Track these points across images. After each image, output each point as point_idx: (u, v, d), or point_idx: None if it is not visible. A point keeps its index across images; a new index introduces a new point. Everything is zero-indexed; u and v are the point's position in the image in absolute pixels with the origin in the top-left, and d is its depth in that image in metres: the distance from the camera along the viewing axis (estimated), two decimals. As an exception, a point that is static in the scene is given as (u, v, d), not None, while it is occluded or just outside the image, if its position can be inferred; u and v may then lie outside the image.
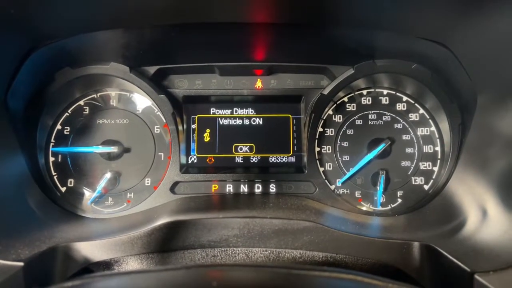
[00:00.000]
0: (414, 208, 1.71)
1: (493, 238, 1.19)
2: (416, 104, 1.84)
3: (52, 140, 1.78)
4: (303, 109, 1.84)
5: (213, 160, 1.84)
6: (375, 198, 1.77)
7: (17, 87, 1.46)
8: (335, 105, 1.86)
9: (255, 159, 1.84)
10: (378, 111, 1.84)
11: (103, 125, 1.81)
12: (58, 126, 1.79)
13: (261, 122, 1.86)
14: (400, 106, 1.84)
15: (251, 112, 1.87)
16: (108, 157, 1.78)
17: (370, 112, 1.84)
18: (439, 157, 1.79)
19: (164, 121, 1.79)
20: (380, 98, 1.86)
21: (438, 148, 1.80)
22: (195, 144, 1.84)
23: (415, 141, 1.81)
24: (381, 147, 1.76)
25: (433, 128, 1.81)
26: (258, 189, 1.78)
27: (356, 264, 1.33)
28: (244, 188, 1.79)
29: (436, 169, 1.79)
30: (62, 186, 1.76)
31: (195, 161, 1.84)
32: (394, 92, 1.86)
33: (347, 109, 1.85)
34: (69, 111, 1.81)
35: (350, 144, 1.82)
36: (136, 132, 1.81)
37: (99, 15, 1.35)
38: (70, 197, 1.75)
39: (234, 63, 1.78)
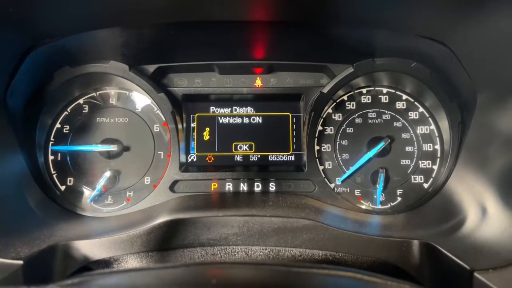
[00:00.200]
0: (414, 207, 1.71)
1: (492, 236, 1.19)
2: (415, 103, 1.84)
3: (52, 139, 1.78)
4: (302, 108, 1.84)
5: (212, 158, 1.84)
6: (375, 196, 1.77)
7: (16, 86, 1.46)
8: (335, 103, 1.86)
9: (255, 158, 1.84)
10: (378, 110, 1.84)
11: (103, 123, 1.81)
12: (58, 125, 1.79)
13: (260, 121, 1.86)
14: (399, 105, 1.84)
15: (251, 110, 1.87)
16: (107, 156, 1.78)
17: (369, 110, 1.84)
18: (438, 155, 1.79)
19: (164, 119, 1.79)
20: (379, 96, 1.85)
21: (437, 147, 1.80)
22: (195, 142, 1.84)
23: (415, 140, 1.81)
24: (380, 146, 1.76)
25: (432, 127, 1.81)
26: (257, 187, 1.78)
27: (356, 262, 1.33)
28: (243, 187, 1.79)
29: (435, 167, 1.79)
30: (62, 185, 1.76)
31: (195, 159, 1.84)
32: (393, 91, 1.85)
33: (347, 108, 1.85)
34: (68, 109, 1.81)
35: (350, 142, 1.82)
36: (136, 130, 1.81)
37: (98, 14, 1.35)
38: (70, 196, 1.75)
39: (233, 61, 1.78)
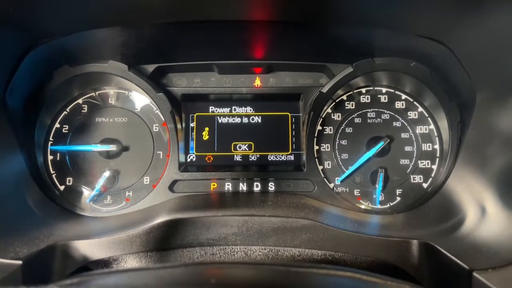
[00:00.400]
0: (413, 206, 1.71)
1: (491, 236, 1.19)
2: (415, 102, 1.84)
3: (51, 139, 1.78)
4: (302, 107, 1.84)
5: (212, 158, 1.84)
6: (374, 196, 1.77)
7: (15, 86, 1.46)
8: (334, 103, 1.85)
9: (254, 158, 1.84)
10: (377, 109, 1.84)
11: (102, 123, 1.81)
12: (57, 125, 1.79)
13: (260, 121, 1.86)
14: (399, 104, 1.84)
15: (250, 110, 1.86)
16: (106, 156, 1.78)
17: (369, 110, 1.84)
18: (438, 155, 1.79)
19: (163, 119, 1.78)
20: (379, 96, 1.85)
21: (437, 146, 1.80)
22: (194, 142, 1.84)
23: (414, 139, 1.81)
24: (380, 145, 1.76)
25: (432, 126, 1.81)
26: (257, 187, 1.78)
27: (355, 262, 1.33)
28: (243, 187, 1.79)
29: (435, 167, 1.79)
30: (61, 185, 1.76)
31: (194, 159, 1.83)
32: (393, 90, 1.85)
33: (346, 107, 1.85)
34: (67, 109, 1.80)
35: (349, 142, 1.82)
36: (135, 130, 1.81)
37: (98, 13, 1.34)
38: (69, 196, 1.75)
39: (233, 61, 1.78)
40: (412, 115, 1.83)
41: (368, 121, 1.83)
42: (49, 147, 1.77)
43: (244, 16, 1.39)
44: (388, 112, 1.83)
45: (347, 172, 1.79)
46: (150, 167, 1.79)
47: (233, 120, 1.86)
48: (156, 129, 1.83)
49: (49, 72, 1.66)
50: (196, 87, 1.84)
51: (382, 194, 1.78)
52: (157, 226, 1.30)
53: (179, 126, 1.78)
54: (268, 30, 1.54)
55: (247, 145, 1.84)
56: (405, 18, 1.38)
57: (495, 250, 1.11)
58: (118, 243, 1.29)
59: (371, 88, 1.86)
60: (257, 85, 1.85)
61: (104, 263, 1.33)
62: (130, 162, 1.79)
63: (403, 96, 1.85)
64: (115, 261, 1.33)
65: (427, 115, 1.82)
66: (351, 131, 1.83)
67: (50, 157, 1.77)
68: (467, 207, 1.40)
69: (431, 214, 1.59)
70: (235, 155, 1.83)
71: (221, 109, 1.86)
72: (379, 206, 1.77)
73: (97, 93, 1.83)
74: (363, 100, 1.86)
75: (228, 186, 1.79)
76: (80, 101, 1.82)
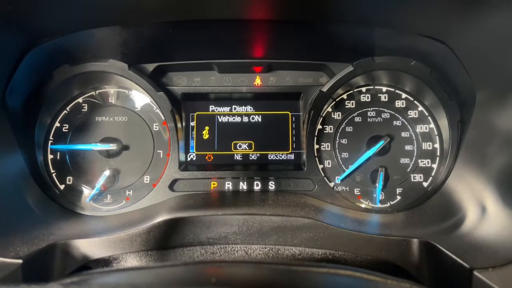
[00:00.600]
0: (413, 205, 1.71)
1: (492, 235, 1.19)
2: (415, 101, 1.84)
3: (51, 138, 1.78)
4: (302, 106, 1.84)
5: (212, 157, 1.84)
6: (374, 195, 1.77)
7: (15, 85, 1.46)
8: (334, 102, 1.85)
9: (254, 157, 1.84)
10: (377, 108, 1.84)
11: (102, 122, 1.81)
12: (57, 124, 1.79)
13: (260, 120, 1.86)
14: (399, 103, 1.84)
15: (250, 109, 1.86)
16: (106, 155, 1.78)
17: (369, 109, 1.84)
18: (438, 154, 1.79)
19: (163, 118, 1.78)
20: (379, 95, 1.85)
21: (437, 145, 1.80)
22: (194, 141, 1.84)
23: (414, 138, 1.81)
24: (380, 144, 1.76)
25: (432, 125, 1.81)
26: (257, 186, 1.78)
27: (355, 261, 1.33)
28: (243, 186, 1.79)
29: (435, 166, 1.79)
30: (61, 184, 1.76)
31: (194, 158, 1.83)
32: (393, 89, 1.85)
33: (346, 106, 1.85)
34: (67, 108, 1.80)
35: (349, 141, 1.82)
36: (135, 129, 1.81)
37: (97, 12, 1.34)
38: (69, 195, 1.75)
39: (233, 60, 1.78)
40: (412, 114, 1.83)
41: (368, 120, 1.83)
42: (49, 146, 1.77)
43: (244, 15, 1.39)
44: (388, 111, 1.83)
45: (348, 171, 1.79)
46: (150, 166, 1.79)
47: (233, 119, 1.86)
48: (156, 128, 1.82)
49: (49, 71, 1.65)
50: (196, 86, 1.84)
51: (382, 193, 1.78)
52: (157, 225, 1.30)
53: (179, 125, 1.78)
54: (268, 29, 1.54)
55: (247, 144, 1.84)
56: (405, 17, 1.37)
57: (496, 249, 1.11)
58: (118, 242, 1.29)
59: (371, 87, 1.86)
60: (257, 84, 1.85)
61: (104, 262, 1.33)
62: (130, 161, 1.79)
63: (403, 95, 1.85)
64: (115, 260, 1.33)
65: (427, 114, 1.82)
66: (351, 130, 1.83)
67: (50, 156, 1.77)
68: (468, 206, 1.40)
69: (431, 213, 1.59)
70: (235, 154, 1.83)
71: (221, 108, 1.86)
72: (379, 205, 1.77)
73: (97, 92, 1.83)
74: (363, 99, 1.85)
75: (228, 185, 1.79)
76: (80, 100, 1.82)
